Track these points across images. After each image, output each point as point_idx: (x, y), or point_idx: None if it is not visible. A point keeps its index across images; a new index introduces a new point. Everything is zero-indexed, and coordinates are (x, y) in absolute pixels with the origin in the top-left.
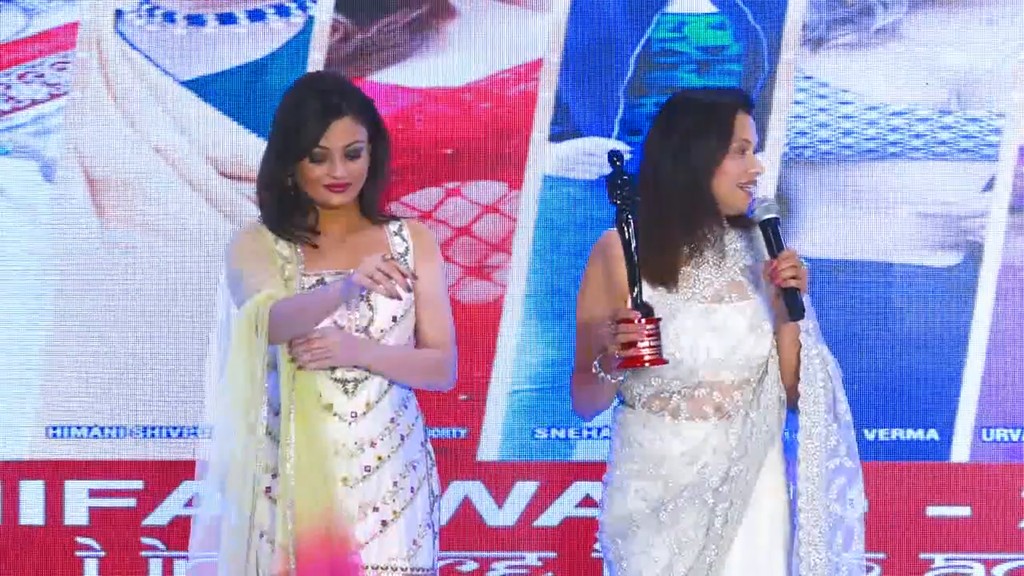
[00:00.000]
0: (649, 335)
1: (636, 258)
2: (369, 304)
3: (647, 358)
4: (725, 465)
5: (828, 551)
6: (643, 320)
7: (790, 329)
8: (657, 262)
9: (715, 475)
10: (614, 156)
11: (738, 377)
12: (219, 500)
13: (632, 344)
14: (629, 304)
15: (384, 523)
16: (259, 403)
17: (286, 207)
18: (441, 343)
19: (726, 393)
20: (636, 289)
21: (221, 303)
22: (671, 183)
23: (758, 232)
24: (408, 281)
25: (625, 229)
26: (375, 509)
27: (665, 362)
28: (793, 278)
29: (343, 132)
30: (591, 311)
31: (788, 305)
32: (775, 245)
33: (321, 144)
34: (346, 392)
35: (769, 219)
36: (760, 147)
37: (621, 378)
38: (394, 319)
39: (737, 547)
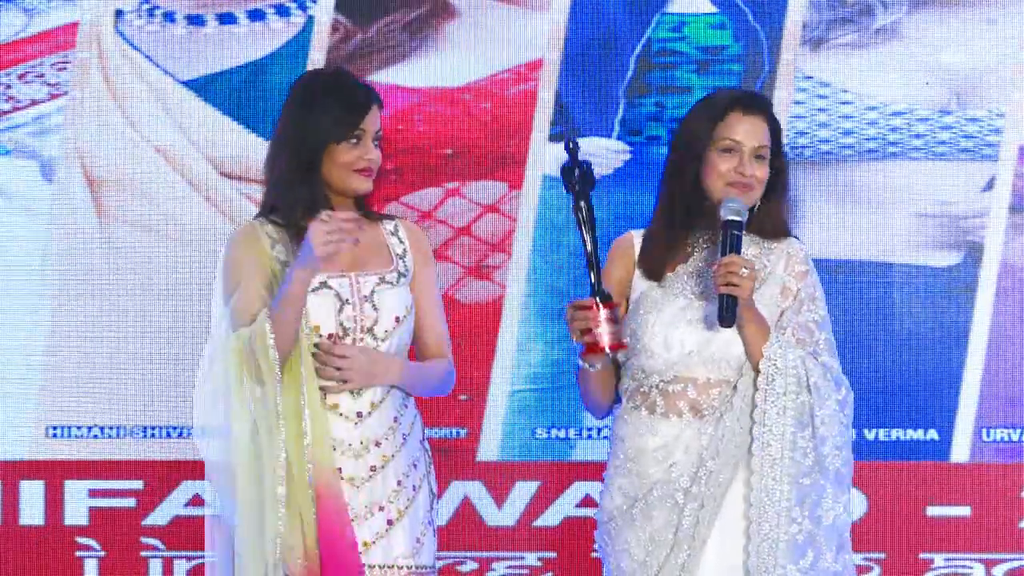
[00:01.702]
0: (606, 320)
1: (593, 245)
2: (373, 305)
3: (603, 344)
4: (695, 465)
5: (788, 566)
6: (600, 307)
7: (754, 333)
8: (646, 254)
9: (684, 475)
10: (570, 143)
11: (714, 375)
12: (231, 504)
13: (589, 331)
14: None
15: (390, 522)
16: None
17: (322, 194)
18: (443, 352)
19: (702, 391)
20: (593, 276)
21: (216, 312)
22: (668, 172)
23: (775, 243)
24: (359, 227)
25: (579, 216)
26: (380, 508)
27: (624, 346)
28: (730, 284)
29: (374, 118)
30: None
31: (719, 309)
32: (726, 248)
33: (361, 126)
34: (351, 392)
35: (729, 220)
36: None
37: (598, 366)
38: (397, 320)
39: (711, 548)
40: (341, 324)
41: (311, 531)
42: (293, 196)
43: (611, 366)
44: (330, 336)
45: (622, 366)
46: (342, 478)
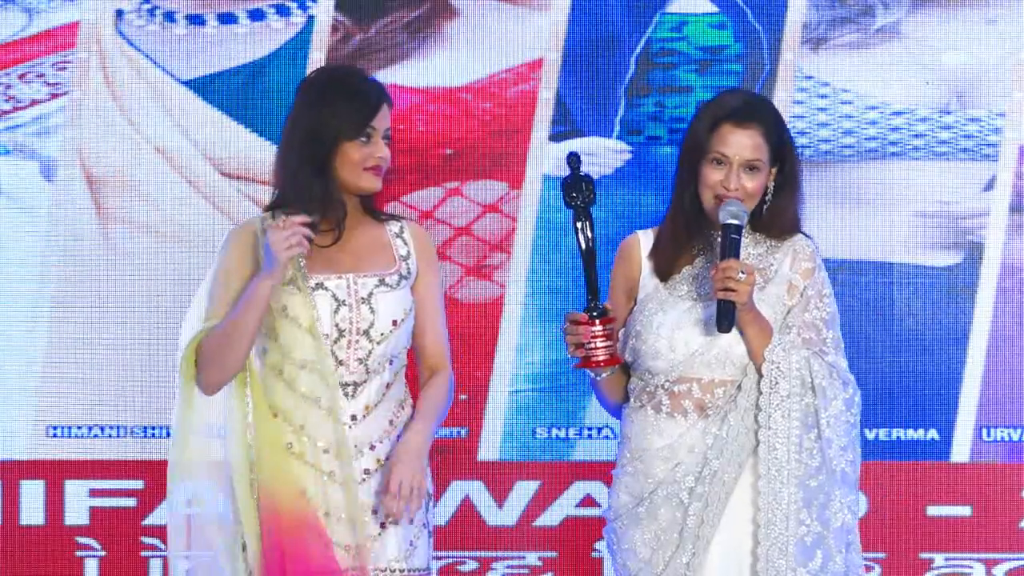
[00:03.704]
0: (597, 337)
1: (592, 259)
2: (371, 308)
3: (596, 359)
4: (700, 465)
5: (798, 569)
6: (596, 322)
7: (755, 336)
8: (656, 252)
9: (689, 475)
10: (572, 158)
11: (719, 375)
12: (221, 500)
13: (581, 345)
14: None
15: (383, 525)
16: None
17: (336, 191)
18: (442, 360)
19: (706, 390)
20: (589, 291)
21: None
22: (676, 176)
23: (782, 242)
24: (305, 229)
25: (579, 232)
26: (374, 512)
27: (620, 362)
28: (727, 290)
29: (384, 116)
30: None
31: (716, 315)
32: (724, 252)
33: (372, 124)
34: (346, 395)
35: (728, 224)
36: None
37: (605, 374)
38: (394, 323)
39: (717, 548)
40: (336, 325)
41: (255, 543)
42: (308, 194)
43: (620, 369)
44: (324, 337)
45: (630, 366)
46: (335, 481)
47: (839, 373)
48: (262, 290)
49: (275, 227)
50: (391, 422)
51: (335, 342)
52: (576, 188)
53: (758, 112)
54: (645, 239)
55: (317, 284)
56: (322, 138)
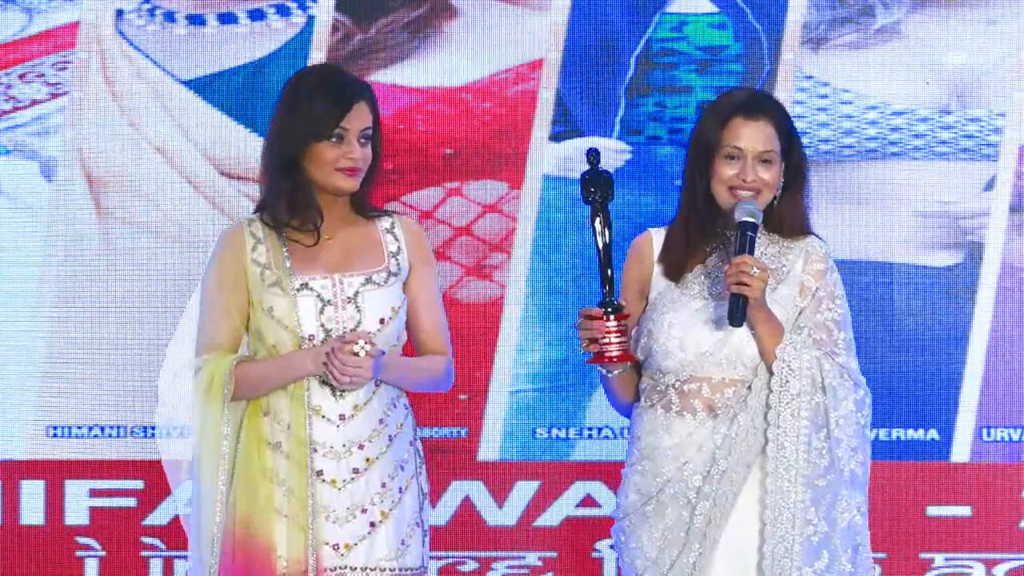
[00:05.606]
0: (611, 332)
1: (608, 255)
2: (357, 307)
3: (610, 355)
4: (708, 464)
5: (804, 568)
6: (610, 317)
7: (766, 334)
8: (666, 254)
9: (697, 474)
10: (591, 154)
11: (729, 375)
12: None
13: (595, 340)
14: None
15: (372, 524)
16: (220, 455)
17: (306, 191)
18: (442, 348)
19: (716, 389)
20: (605, 287)
21: (197, 295)
22: (684, 177)
23: (795, 242)
24: (370, 357)
25: (596, 227)
26: (363, 511)
27: (633, 359)
28: (740, 284)
29: (360, 116)
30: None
31: (728, 309)
32: (739, 248)
33: (342, 124)
34: (334, 394)
35: (743, 222)
36: None
37: (617, 371)
38: (381, 321)
39: (724, 548)
40: (323, 325)
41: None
42: (278, 194)
43: (631, 368)
44: (311, 338)
45: (642, 365)
46: (323, 480)
47: (850, 374)
48: (300, 369)
49: (336, 346)
50: (381, 421)
51: (322, 342)
52: (595, 183)
53: (767, 105)
54: (658, 237)
55: (302, 285)
56: (291, 140)
